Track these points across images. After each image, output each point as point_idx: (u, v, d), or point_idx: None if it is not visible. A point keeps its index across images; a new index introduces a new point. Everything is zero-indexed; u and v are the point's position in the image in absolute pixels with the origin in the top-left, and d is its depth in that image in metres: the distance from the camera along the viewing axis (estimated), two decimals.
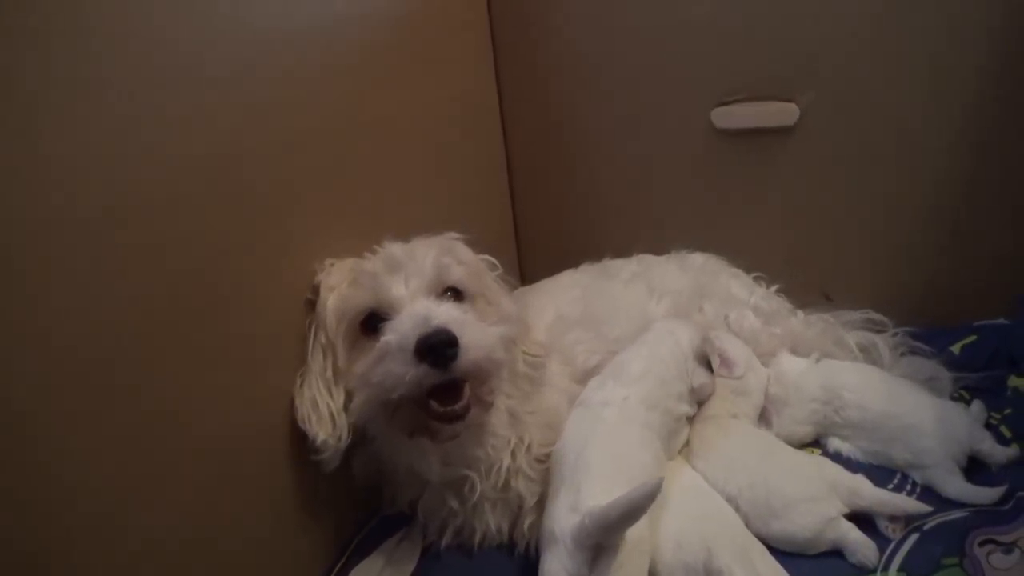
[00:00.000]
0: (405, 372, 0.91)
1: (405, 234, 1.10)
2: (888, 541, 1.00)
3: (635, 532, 0.89)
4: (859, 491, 1.04)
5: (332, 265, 1.06)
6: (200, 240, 0.88)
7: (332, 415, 0.99)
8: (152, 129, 0.81)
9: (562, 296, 1.35)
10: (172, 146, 0.84)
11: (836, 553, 0.99)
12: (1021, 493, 1.04)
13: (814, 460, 1.13)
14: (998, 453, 1.11)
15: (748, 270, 1.46)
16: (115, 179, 0.77)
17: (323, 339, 1.02)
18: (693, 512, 1.00)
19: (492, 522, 1.07)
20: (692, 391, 1.18)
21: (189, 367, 0.86)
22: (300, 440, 0.99)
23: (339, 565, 1.10)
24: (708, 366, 1.20)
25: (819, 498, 1.01)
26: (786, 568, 0.95)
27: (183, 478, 0.85)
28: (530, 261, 1.75)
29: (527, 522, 1.06)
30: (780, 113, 1.48)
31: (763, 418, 1.23)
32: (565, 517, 0.90)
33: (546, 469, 1.07)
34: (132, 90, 0.79)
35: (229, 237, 0.92)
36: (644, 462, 1.00)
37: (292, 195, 1.03)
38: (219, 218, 0.90)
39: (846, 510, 1.01)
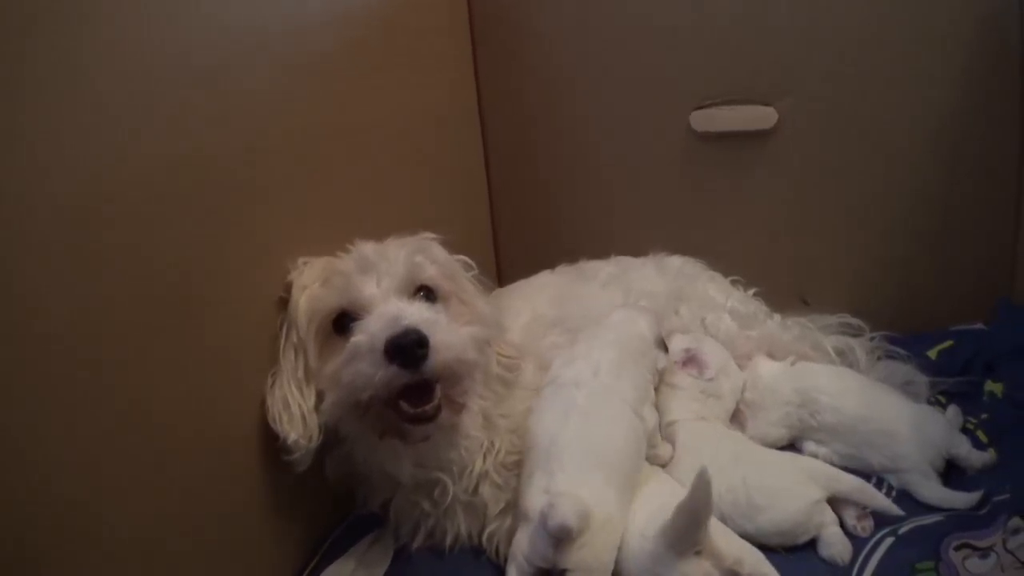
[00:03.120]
0: (374, 373, 0.90)
1: (382, 234, 1.09)
2: (863, 544, 1.00)
3: (602, 511, 0.90)
4: (837, 476, 1.05)
5: (305, 264, 1.05)
6: (174, 239, 0.87)
7: (303, 415, 0.98)
8: (123, 130, 0.80)
9: (538, 298, 1.34)
10: (144, 147, 0.83)
11: (813, 554, 0.99)
12: (997, 498, 1.04)
13: (786, 455, 1.14)
14: (974, 458, 1.11)
15: (726, 273, 1.46)
16: (88, 181, 0.76)
17: (295, 338, 1.00)
18: (657, 504, 0.98)
19: (463, 526, 1.06)
20: (655, 374, 1.18)
21: (161, 367, 0.85)
22: (272, 440, 0.98)
23: (311, 566, 1.09)
24: (664, 348, 1.21)
25: (801, 484, 1.02)
26: None
27: (154, 478, 0.84)
28: (508, 263, 1.75)
29: (491, 528, 1.06)
30: (759, 117, 1.48)
31: (737, 421, 1.23)
32: (537, 497, 0.92)
33: (514, 476, 1.06)
34: (103, 91, 0.78)
35: (203, 236, 0.91)
36: (619, 448, 1.00)
37: (268, 194, 1.02)
38: (193, 217, 0.89)
39: (827, 495, 1.01)
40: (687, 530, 0.89)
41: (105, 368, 0.78)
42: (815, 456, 1.17)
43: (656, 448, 1.11)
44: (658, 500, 0.98)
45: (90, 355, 0.76)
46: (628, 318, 1.20)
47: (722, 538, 0.93)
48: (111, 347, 0.78)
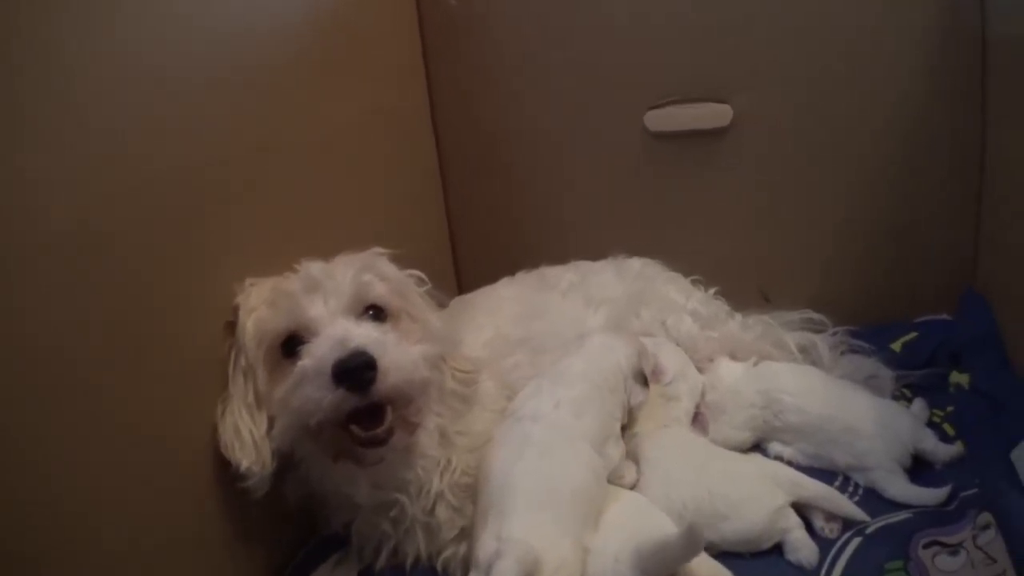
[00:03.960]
0: (322, 397, 0.88)
1: (337, 247, 1.07)
2: (830, 545, 0.99)
3: (555, 557, 0.87)
4: (801, 482, 1.04)
5: (252, 285, 1.02)
6: (116, 264, 0.85)
7: (255, 441, 0.96)
8: (59, 157, 0.78)
9: (502, 314, 1.32)
10: (81, 172, 0.81)
11: (780, 558, 0.99)
12: (965, 493, 1.04)
13: (751, 459, 1.14)
14: (941, 452, 1.11)
15: (686, 273, 1.45)
16: (27, 208, 0.74)
17: (243, 363, 0.98)
18: (629, 528, 0.97)
19: (422, 546, 1.04)
20: (627, 409, 1.15)
21: (106, 397, 0.82)
22: (228, 465, 0.96)
23: None
24: (644, 382, 1.18)
25: (764, 492, 1.01)
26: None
27: (106, 507, 0.82)
28: (467, 268, 1.73)
29: (447, 554, 1.04)
30: (714, 115, 1.47)
31: (700, 424, 1.22)
32: (489, 543, 0.88)
33: (468, 498, 1.04)
34: (39, 117, 0.77)
35: (145, 259, 0.89)
36: (575, 486, 0.97)
37: (212, 213, 1.00)
38: (135, 241, 0.87)
39: (791, 499, 1.01)
40: (666, 566, 0.89)
41: (48, 398, 0.76)
42: (780, 456, 1.17)
43: (623, 479, 1.09)
44: (630, 523, 0.97)
45: (33, 382, 0.74)
46: (605, 347, 1.17)
47: (695, 561, 0.92)
48: (54, 375, 0.76)
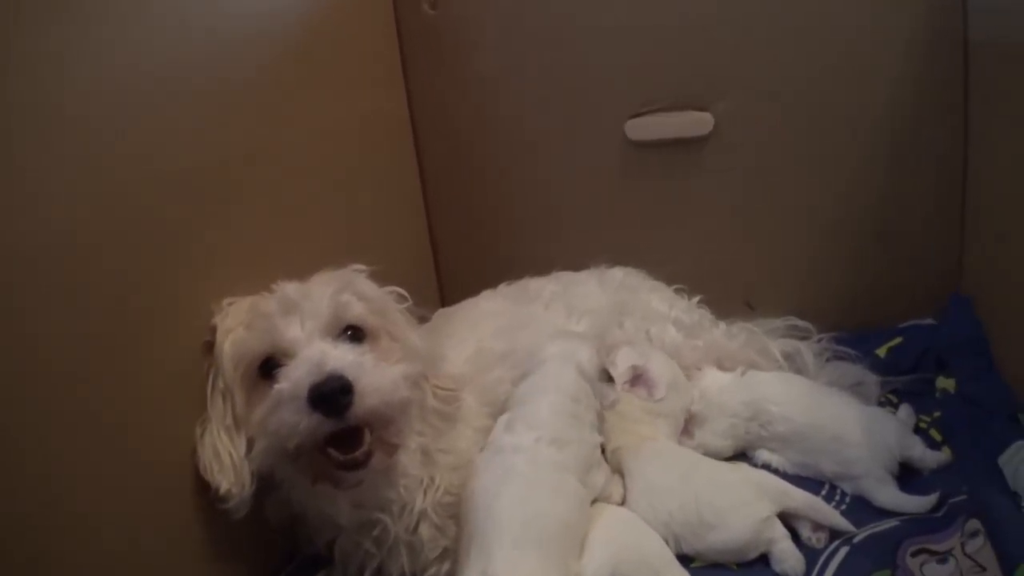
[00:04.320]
0: (299, 422, 0.87)
1: (317, 263, 1.06)
2: (817, 555, 0.98)
3: None
4: (788, 492, 1.04)
5: (230, 305, 1.01)
6: (91, 283, 0.84)
7: (234, 463, 0.95)
8: (31, 173, 0.78)
9: (483, 327, 1.31)
10: (54, 189, 0.80)
11: (766, 568, 0.98)
12: (953, 500, 1.03)
13: (736, 467, 1.12)
14: (929, 458, 1.11)
15: (669, 282, 1.45)
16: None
17: (221, 385, 0.97)
18: (613, 546, 0.97)
19: (406, 565, 1.03)
20: (599, 417, 1.15)
21: (84, 418, 0.82)
22: (208, 486, 0.95)
23: None
24: (609, 378, 1.17)
25: (750, 501, 1.01)
26: None
27: (83, 526, 0.81)
28: (449, 279, 1.72)
29: (430, 572, 1.03)
30: (695, 123, 1.46)
31: (684, 431, 1.21)
32: None
33: (451, 517, 1.03)
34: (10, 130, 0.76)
35: (121, 279, 0.88)
36: (560, 519, 0.95)
37: (189, 231, 0.99)
38: (110, 259, 0.87)
39: (778, 509, 1.01)
40: None
41: (27, 418, 0.75)
42: (768, 464, 1.16)
43: (610, 497, 1.08)
44: (615, 539, 0.97)
45: (7, 397, 0.73)
46: (565, 355, 1.15)
47: None
48: (29, 391, 0.76)
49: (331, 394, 0.86)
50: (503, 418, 1.08)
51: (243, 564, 1.06)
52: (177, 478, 0.95)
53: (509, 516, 0.92)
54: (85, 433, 0.82)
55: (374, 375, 0.91)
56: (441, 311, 1.42)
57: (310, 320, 0.96)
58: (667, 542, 1.01)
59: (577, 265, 1.47)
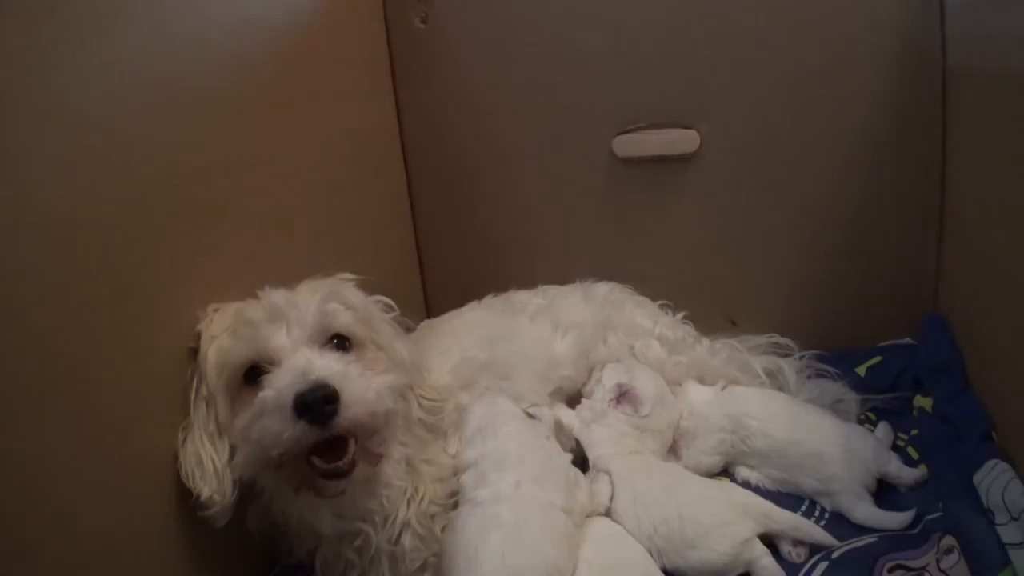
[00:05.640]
0: (283, 430, 0.86)
1: (304, 271, 1.06)
2: (797, 570, 0.99)
3: None
4: (770, 513, 1.04)
5: (216, 311, 1.01)
6: (75, 288, 0.84)
7: (216, 470, 0.94)
8: (16, 176, 0.78)
9: (468, 338, 1.31)
10: (40, 192, 0.80)
11: None
12: (929, 517, 1.05)
13: (722, 486, 1.13)
14: (905, 475, 1.12)
15: (654, 297, 1.46)
16: None
17: (205, 391, 0.97)
18: (599, 562, 0.97)
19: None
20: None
21: (64, 423, 0.81)
22: (189, 493, 0.95)
23: None
24: (529, 416, 1.15)
25: (733, 522, 1.01)
26: None
27: (65, 535, 0.81)
28: (435, 293, 1.73)
29: None
30: (681, 140, 1.48)
31: (672, 450, 1.22)
32: None
33: (437, 527, 1.04)
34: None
35: (107, 282, 0.88)
36: (547, 564, 0.93)
37: (175, 236, 0.99)
38: (96, 263, 0.87)
39: (760, 531, 1.01)
40: None
41: (10, 422, 0.75)
42: (747, 481, 1.17)
43: (600, 507, 1.08)
44: (600, 558, 0.98)
45: None
46: (490, 408, 1.13)
47: None
48: (9, 393, 0.75)
49: (316, 403, 0.86)
50: (467, 476, 1.04)
51: (222, 574, 1.05)
52: (157, 485, 0.94)
53: (490, 569, 0.91)
54: (63, 437, 0.81)
55: (359, 385, 0.91)
56: (426, 322, 1.43)
57: (296, 328, 0.96)
58: (651, 554, 1.01)
59: (562, 280, 1.48)
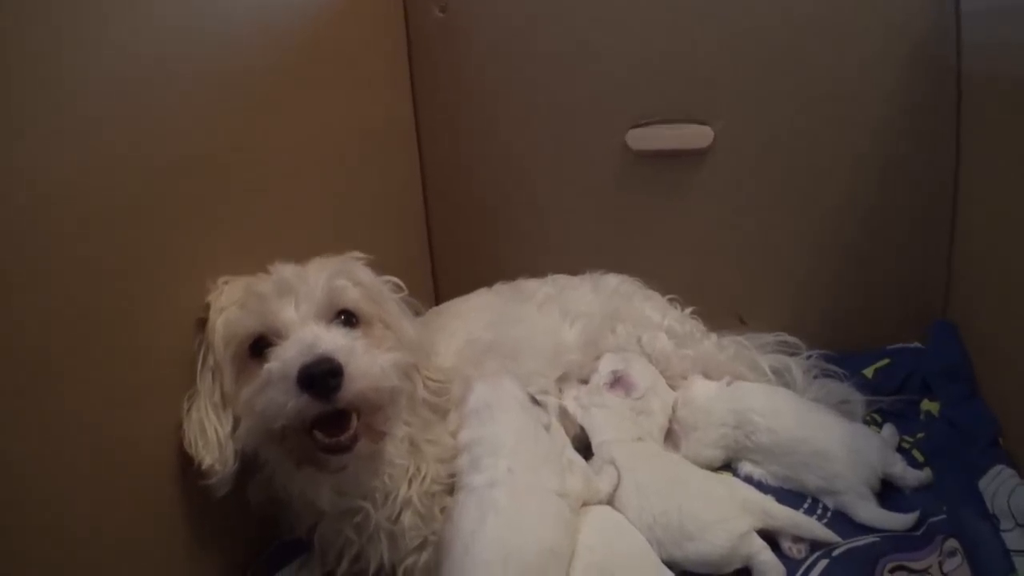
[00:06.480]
0: (286, 402, 0.86)
1: (315, 252, 1.06)
2: (797, 566, 0.99)
3: None
4: (770, 511, 1.04)
5: (226, 284, 1.01)
6: (89, 256, 0.84)
7: (219, 440, 0.94)
8: (34, 147, 0.78)
9: (475, 320, 1.32)
10: (58, 162, 0.80)
11: None
12: (933, 519, 1.04)
13: (724, 480, 1.13)
14: (910, 476, 1.11)
15: (663, 292, 1.45)
16: None
17: (211, 362, 0.97)
18: (599, 547, 0.97)
19: (385, 554, 1.02)
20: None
21: (69, 388, 0.81)
22: (191, 464, 0.95)
23: None
24: (535, 402, 1.14)
25: (732, 517, 1.01)
26: None
27: (65, 499, 0.81)
28: (445, 280, 1.73)
29: (408, 562, 1.03)
30: (695, 135, 1.48)
31: (672, 441, 1.22)
32: None
33: (437, 505, 1.04)
34: (13, 105, 0.76)
35: (120, 252, 0.88)
36: (544, 548, 0.92)
37: (190, 210, 0.99)
38: (109, 233, 0.87)
39: (759, 526, 1.01)
40: None
41: (15, 389, 0.75)
42: (750, 477, 1.17)
43: (599, 493, 1.07)
44: (600, 543, 0.97)
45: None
46: (493, 390, 1.12)
47: None
48: (18, 367, 0.75)
49: (321, 376, 0.86)
50: (462, 460, 1.04)
51: (221, 548, 1.05)
52: (157, 460, 0.94)
53: (488, 557, 0.90)
54: (68, 407, 0.81)
55: (365, 360, 0.91)
56: (433, 309, 1.43)
57: (305, 303, 0.96)
58: (650, 544, 1.01)
59: (572, 271, 1.48)
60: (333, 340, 0.91)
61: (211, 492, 0.95)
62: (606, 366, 1.26)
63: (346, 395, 0.88)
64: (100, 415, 0.85)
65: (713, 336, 1.40)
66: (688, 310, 1.43)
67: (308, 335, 0.91)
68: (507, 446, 1.03)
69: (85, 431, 0.83)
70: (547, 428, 1.11)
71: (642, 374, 1.24)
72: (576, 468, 1.08)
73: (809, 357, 1.40)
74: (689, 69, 1.46)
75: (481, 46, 1.59)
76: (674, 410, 1.24)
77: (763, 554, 0.98)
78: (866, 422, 1.26)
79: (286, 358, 0.88)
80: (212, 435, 0.94)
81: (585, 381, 1.30)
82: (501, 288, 1.43)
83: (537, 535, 0.93)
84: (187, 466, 0.95)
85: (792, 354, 1.40)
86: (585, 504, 1.04)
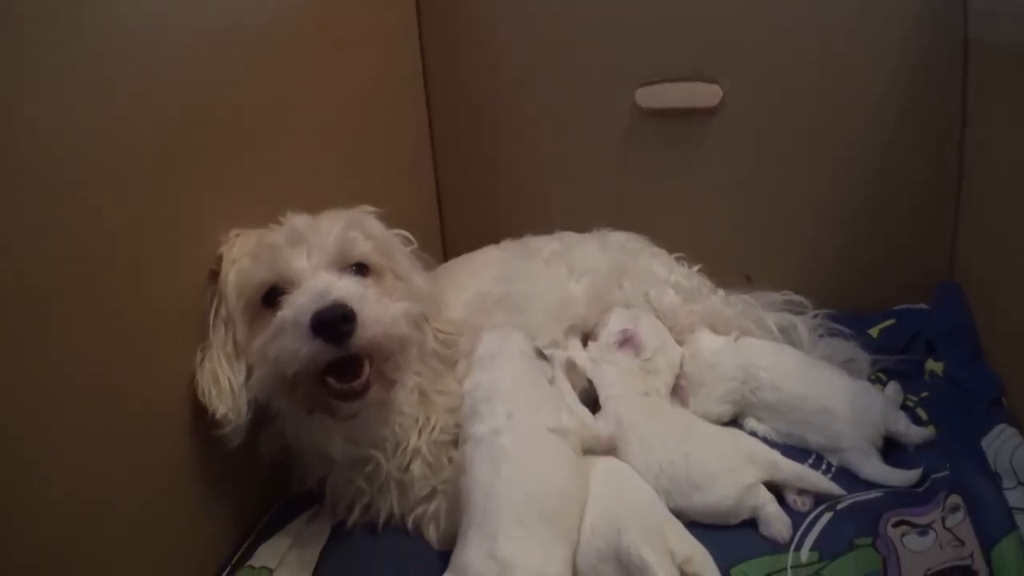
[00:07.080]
0: (300, 348, 0.87)
1: (324, 206, 1.06)
2: (801, 519, 1.00)
3: (553, 571, 0.86)
4: (776, 463, 1.05)
5: (238, 236, 1.02)
6: (101, 207, 0.84)
7: (232, 390, 0.95)
8: (50, 101, 0.78)
9: (483, 273, 1.32)
10: (71, 117, 0.80)
11: (753, 529, 0.99)
12: (936, 475, 1.04)
13: (730, 433, 1.14)
14: (913, 433, 1.12)
15: (670, 250, 1.45)
16: (6, 152, 0.73)
17: (224, 312, 0.98)
18: (606, 496, 0.97)
19: (395, 504, 1.04)
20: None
21: (85, 339, 0.82)
22: (204, 415, 0.96)
23: (248, 542, 1.07)
24: (543, 356, 1.15)
25: (738, 468, 1.02)
26: (704, 543, 0.93)
27: (78, 452, 0.81)
28: (453, 237, 1.74)
29: (418, 511, 1.04)
30: (703, 94, 1.48)
31: (679, 397, 1.22)
32: (481, 563, 0.85)
33: (446, 455, 1.05)
34: (27, 63, 0.76)
35: (132, 206, 0.88)
36: (560, 490, 0.94)
37: (202, 165, 0.99)
38: (122, 187, 0.87)
39: (765, 478, 1.02)
40: None
41: (26, 339, 0.75)
42: (755, 434, 1.17)
43: (598, 438, 1.08)
44: (606, 492, 0.97)
45: (9, 327, 0.73)
46: (500, 340, 1.13)
47: (673, 535, 0.92)
48: (32, 318, 0.75)
49: (333, 321, 0.87)
50: (464, 408, 1.05)
51: (233, 500, 1.06)
52: (171, 413, 0.95)
53: (510, 496, 0.90)
54: (80, 361, 0.81)
55: (377, 308, 0.92)
56: (442, 265, 1.43)
57: (317, 253, 0.96)
58: (657, 494, 1.01)
59: (580, 228, 1.49)
60: (345, 287, 0.92)
61: (224, 442, 0.96)
62: (616, 323, 1.26)
63: (359, 341, 0.89)
64: (111, 367, 0.85)
65: (720, 292, 1.39)
66: (695, 267, 1.43)
67: (320, 283, 0.92)
68: (502, 390, 1.03)
69: (96, 383, 0.83)
70: (550, 382, 1.12)
71: (651, 333, 1.24)
72: (574, 411, 1.09)
73: (815, 316, 1.40)
74: (699, 28, 1.46)
75: (490, 4, 1.58)
76: (681, 366, 1.25)
77: (769, 506, 0.99)
78: (871, 381, 1.26)
79: (299, 305, 0.89)
80: (225, 384, 0.95)
81: (592, 337, 1.31)
82: (509, 244, 1.44)
83: (553, 476, 0.95)
84: (200, 419, 0.96)
85: (798, 313, 1.39)
86: (590, 452, 1.05)
